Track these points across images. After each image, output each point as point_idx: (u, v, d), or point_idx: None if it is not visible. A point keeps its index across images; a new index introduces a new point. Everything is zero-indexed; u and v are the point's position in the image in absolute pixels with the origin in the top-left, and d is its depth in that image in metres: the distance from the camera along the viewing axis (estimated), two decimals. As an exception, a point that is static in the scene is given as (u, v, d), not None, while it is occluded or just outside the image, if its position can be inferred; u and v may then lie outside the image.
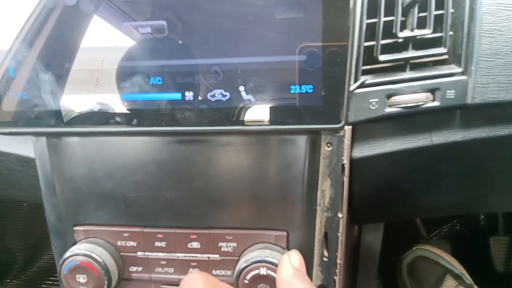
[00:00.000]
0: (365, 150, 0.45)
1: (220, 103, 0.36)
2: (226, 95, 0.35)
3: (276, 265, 0.39)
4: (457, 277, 0.94)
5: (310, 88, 0.34)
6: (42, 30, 0.38)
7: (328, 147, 0.41)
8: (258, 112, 0.36)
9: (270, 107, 0.35)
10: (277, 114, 0.35)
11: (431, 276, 0.96)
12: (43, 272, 1.18)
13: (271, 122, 0.35)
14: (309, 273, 0.44)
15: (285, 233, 0.42)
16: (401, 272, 0.99)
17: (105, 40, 0.37)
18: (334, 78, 0.34)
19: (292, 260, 0.38)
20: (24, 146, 0.49)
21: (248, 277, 0.39)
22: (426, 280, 0.96)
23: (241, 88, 0.35)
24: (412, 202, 0.57)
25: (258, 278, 0.39)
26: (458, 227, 1.18)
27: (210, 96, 0.36)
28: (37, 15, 0.37)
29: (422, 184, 0.53)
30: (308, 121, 0.35)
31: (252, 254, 0.40)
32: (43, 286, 1.17)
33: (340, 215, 0.44)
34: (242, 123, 0.35)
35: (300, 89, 0.34)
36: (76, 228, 0.45)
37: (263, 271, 0.39)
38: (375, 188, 0.52)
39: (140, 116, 0.36)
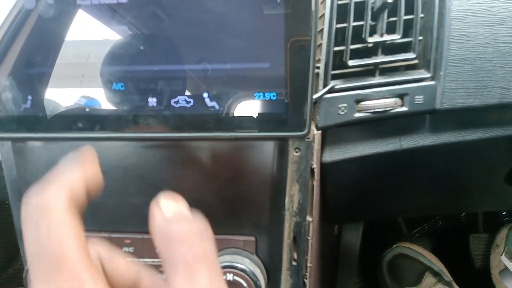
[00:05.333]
0: (335, 154, 0.45)
1: (184, 109, 0.35)
2: (190, 102, 0.35)
3: (243, 271, 0.39)
4: (436, 274, 0.96)
5: (273, 96, 0.34)
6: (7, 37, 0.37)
7: (296, 152, 0.41)
8: (224, 119, 0.36)
9: (234, 114, 0.35)
10: (241, 121, 0.35)
11: (411, 273, 0.97)
12: (23, 271, 1.17)
13: (234, 129, 0.35)
14: (278, 277, 0.44)
15: (253, 238, 0.42)
16: (382, 270, 1.00)
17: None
18: (297, 86, 0.33)
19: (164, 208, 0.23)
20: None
21: (215, 282, 0.39)
22: (406, 278, 0.97)
23: (205, 95, 0.35)
24: (385, 204, 0.57)
25: (225, 284, 0.39)
26: (439, 224, 1.20)
27: (174, 102, 0.35)
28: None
29: (393, 187, 0.53)
30: (272, 129, 0.35)
31: (219, 259, 0.40)
32: (23, 285, 1.17)
33: (309, 219, 0.44)
34: (205, 129, 0.35)
35: (264, 96, 0.34)
36: (43, 233, 0.44)
37: (229, 276, 0.39)
38: (347, 191, 0.52)
39: (102, 122, 0.36)
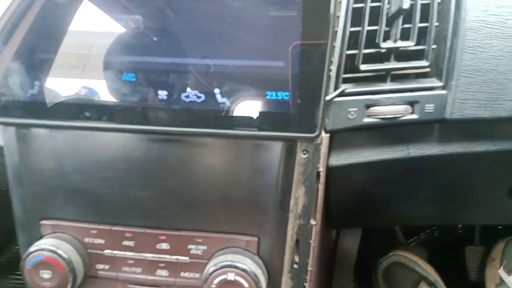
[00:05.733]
0: (341, 159, 0.45)
1: (194, 104, 0.35)
2: (200, 97, 0.35)
3: (245, 271, 0.39)
4: (431, 284, 0.95)
5: (286, 95, 0.34)
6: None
7: (304, 154, 0.40)
8: (233, 115, 0.36)
9: (245, 112, 0.35)
10: (251, 120, 0.35)
11: (406, 282, 0.97)
12: (17, 259, 1.16)
13: (244, 127, 0.34)
14: (279, 279, 0.44)
15: (256, 239, 0.42)
16: (377, 277, 1.00)
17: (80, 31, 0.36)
18: (310, 88, 0.33)
19: None
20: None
21: (216, 281, 0.39)
22: (401, 286, 0.97)
23: (217, 91, 0.34)
24: (388, 211, 0.57)
25: (226, 283, 0.39)
26: (436, 234, 1.20)
27: (184, 96, 0.35)
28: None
29: (397, 194, 0.53)
30: (283, 129, 0.34)
31: (221, 258, 0.40)
32: (17, 272, 1.16)
33: (313, 222, 0.44)
34: (215, 126, 0.35)
35: (276, 95, 0.34)
36: (42, 222, 0.44)
37: (230, 276, 0.39)
38: (351, 196, 0.51)
39: (110, 113, 0.35)
